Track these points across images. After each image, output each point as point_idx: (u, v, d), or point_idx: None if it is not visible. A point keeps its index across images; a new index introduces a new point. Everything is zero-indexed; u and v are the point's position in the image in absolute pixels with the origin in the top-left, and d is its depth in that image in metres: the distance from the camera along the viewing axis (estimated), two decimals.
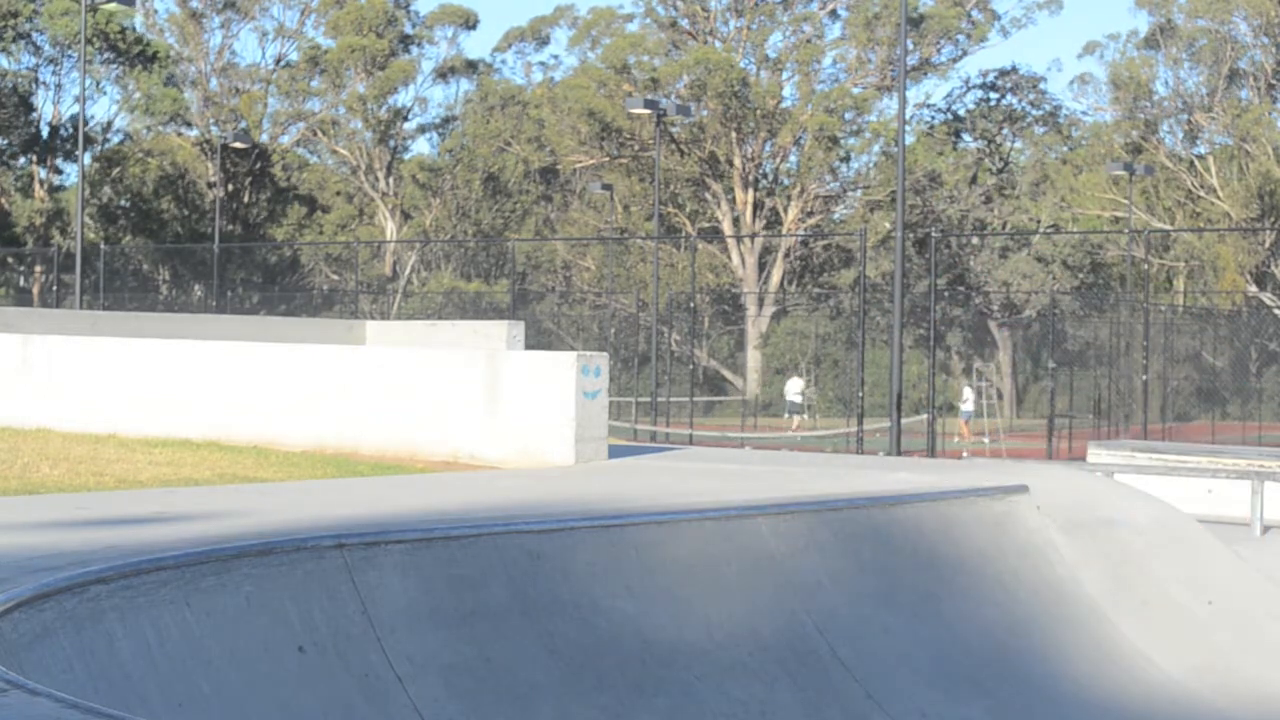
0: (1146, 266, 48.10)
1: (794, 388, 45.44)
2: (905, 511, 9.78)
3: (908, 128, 39.56)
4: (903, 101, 28.44)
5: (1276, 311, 54.24)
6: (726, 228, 59.21)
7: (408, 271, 62.69)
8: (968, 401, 41.29)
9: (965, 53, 61.92)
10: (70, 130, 58.90)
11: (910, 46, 53.69)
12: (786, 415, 45.56)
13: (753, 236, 57.83)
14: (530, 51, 69.52)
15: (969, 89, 65.95)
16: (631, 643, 7.54)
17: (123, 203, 63.10)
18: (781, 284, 60.14)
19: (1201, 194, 57.76)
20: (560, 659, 7.20)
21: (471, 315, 50.38)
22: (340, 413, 12.77)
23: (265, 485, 10.00)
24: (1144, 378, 35.87)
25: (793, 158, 60.41)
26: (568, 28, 67.24)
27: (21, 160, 61.54)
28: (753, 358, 57.79)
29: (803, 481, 10.56)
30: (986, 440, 38.60)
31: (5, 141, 60.40)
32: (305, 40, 64.93)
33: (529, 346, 13.55)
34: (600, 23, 63.46)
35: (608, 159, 59.91)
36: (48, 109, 61.38)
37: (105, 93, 62.25)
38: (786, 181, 60.84)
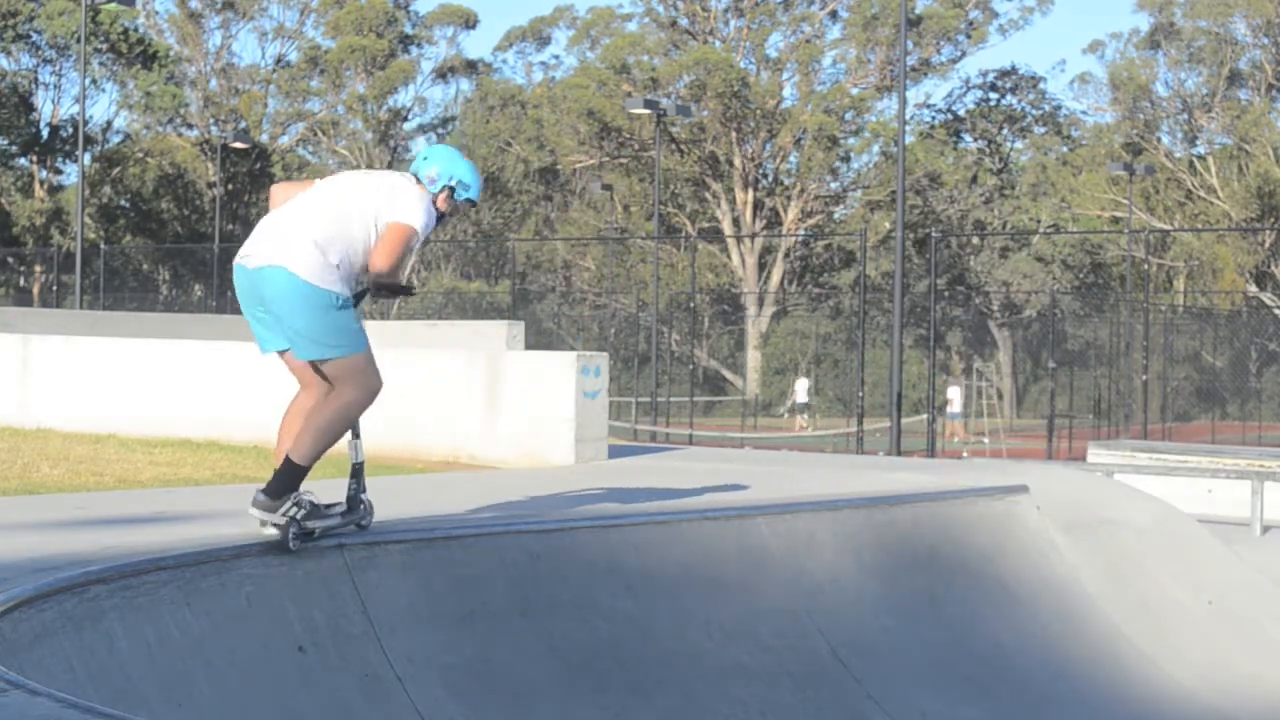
0: (1146, 266, 48.12)
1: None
2: (905, 511, 9.77)
3: (908, 128, 39.53)
4: (903, 102, 28.45)
5: (1276, 311, 54.23)
6: (726, 228, 59.19)
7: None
8: (954, 403, 40.75)
9: (965, 53, 61.94)
10: (70, 130, 58.88)
11: (910, 47, 53.66)
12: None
13: (753, 236, 57.82)
14: (530, 51, 69.54)
15: (969, 89, 65.96)
16: (631, 643, 7.54)
17: (123, 203, 63.09)
18: (781, 284, 60.12)
19: (1201, 194, 57.77)
20: (560, 659, 7.20)
21: (471, 315, 50.36)
22: None
23: None
24: (1144, 378, 35.87)
25: (793, 158, 60.40)
26: (567, 28, 67.25)
27: (21, 160, 61.53)
28: (753, 358, 57.79)
29: (802, 482, 10.56)
30: (986, 440, 38.56)
31: (5, 141, 60.39)
32: (305, 40, 64.92)
33: (529, 346, 13.51)
34: (600, 23, 63.42)
35: (607, 159, 59.91)
36: (47, 109, 61.42)
37: (105, 92, 62.28)
38: (786, 181, 60.81)
